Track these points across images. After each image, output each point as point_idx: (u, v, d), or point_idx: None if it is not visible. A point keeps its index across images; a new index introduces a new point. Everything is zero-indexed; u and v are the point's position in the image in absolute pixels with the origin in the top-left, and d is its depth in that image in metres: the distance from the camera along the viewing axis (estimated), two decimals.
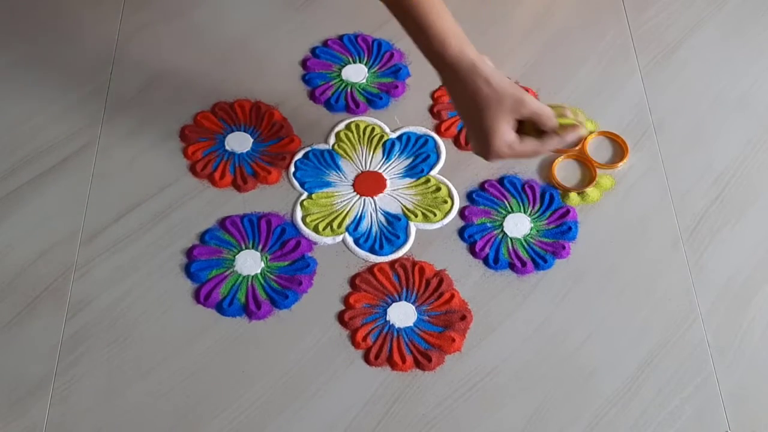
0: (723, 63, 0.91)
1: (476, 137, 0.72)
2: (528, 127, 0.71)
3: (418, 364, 0.72)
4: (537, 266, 0.77)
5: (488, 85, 0.70)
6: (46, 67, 0.91)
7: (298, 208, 0.80)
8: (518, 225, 0.79)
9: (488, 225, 0.80)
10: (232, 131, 0.86)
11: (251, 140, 0.85)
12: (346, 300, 0.75)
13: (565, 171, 0.83)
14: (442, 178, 0.83)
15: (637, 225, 0.80)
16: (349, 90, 0.89)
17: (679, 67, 0.91)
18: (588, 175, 0.83)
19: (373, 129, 0.86)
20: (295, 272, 0.76)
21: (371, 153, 0.84)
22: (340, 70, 0.90)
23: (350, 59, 0.91)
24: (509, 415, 0.69)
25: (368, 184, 0.82)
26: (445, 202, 0.81)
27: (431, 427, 0.69)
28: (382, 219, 0.80)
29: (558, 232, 0.79)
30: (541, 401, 0.70)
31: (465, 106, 0.71)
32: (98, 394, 0.70)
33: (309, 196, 0.81)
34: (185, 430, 0.69)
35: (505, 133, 0.70)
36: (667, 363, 0.72)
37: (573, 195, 0.81)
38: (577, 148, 0.84)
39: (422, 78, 0.90)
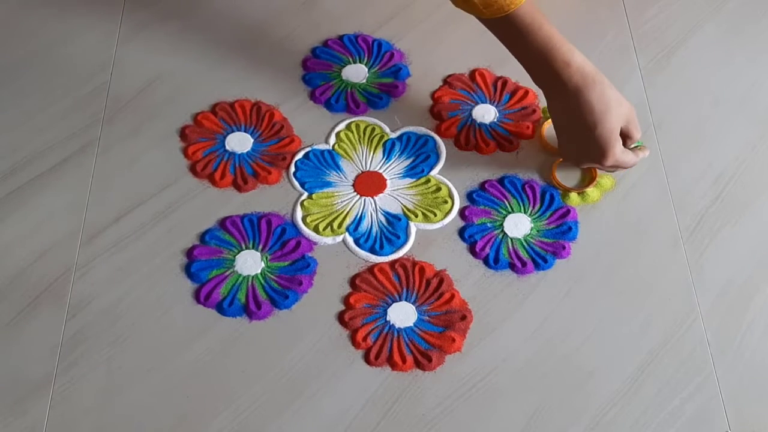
0: (723, 63, 0.91)
1: (596, 141, 0.75)
2: None
3: (418, 364, 0.72)
4: (537, 266, 0.77)
5: (611, 89, 0.75)
6: (46, 67, 0.91)
7: (299, 208, 0.80)
8: (518, 225, 0.79)
9: (488, 225, 0.80)
10: (233, 131, 0.86)
11: (251, 140, 0.85)
12: (346, 300, 0.75)
13: (565, 171, 0.83)
14: (442, 178, 0.83)
15: (637, 225, 0.80)
16: (349, 90, 0.89)
17: (679, 67, 0.91)
18: (588, 175, 0.83)
19: (373, 129, 0.86)
20: (295, 272, 0.77)
21: (371, 153, 0.84)
22: (340, 70, 0.90)
23: (350, 59, 0.91)
24: (509, 415, 0.69)
25: (368, 184, 0.82)
26: (446, 202, 0.81)
27: (431, 427, 0.69)
28: (383, 219, 0.80)
29: (558, 232, 0.79)
30: (541, 401, 0.70)
31: (588, 111, 0.74)
32: (98, 394, 0.70)
33: (309, 196, 0.81)
34: (185, 430, 0.69)
35: (620, 137, 0.76)
36: (667, 363, 0.72)
37: (573, 195, 0.81)
38: None
39: (422, 78, 0.90)
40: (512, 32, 0.75)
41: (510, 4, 0.72)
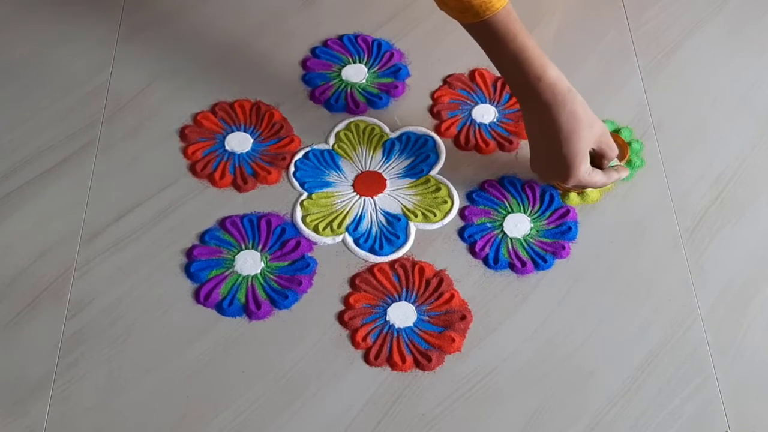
0: (723, 63, 0.91)
1: (560, 160, 0.74)
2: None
3: (418, 364, 0.72)
4: (537, 266, 0.77)
5: (584, 109, 0.74)
6: (46, 67, 0.91)
7: (298, 208, 0.80)
8: (518, 225, 0.79)
9: (488, 225, 0.80)
10: (232, 131, 0.86)
11: (251, 140, 0.85)
12: (346, 300, 0.75)
13: None
14: (442, 178, 0.83)
15: (637, 225, 0.80)
16: (349, 90, 0.89)
17: (679, 67, 0.91)
18: None
19: (373, 129, 0.86)
20: (295, 272, 0.76)
21: (371, 153, 0.84)
22: (340, 70, 0.90)
23: (350, 59, 0.91)
24: (509, 415, 0.69)
25: (368, 184, 0.82)
26: (445, 202, 0.81)
27: (431, 427, 0.69)
28: (382, 219, 0.80)
29: (558, 232, 0.79)
30: (541, 401, 0.70)
31: (555, 129, 0.73)
32: (98, 394, 0.70)
33: (309, 196, 0.81)
34: (185, 430, 0.69)
35: (586, 159, 0.75)
36: (667, 363, 0.72)
37: (573, 195, 0.81)
38: None
39: (422, 78, 0.90)
40: (488, 39, 0.74)
41: (485, 10, 0.71)
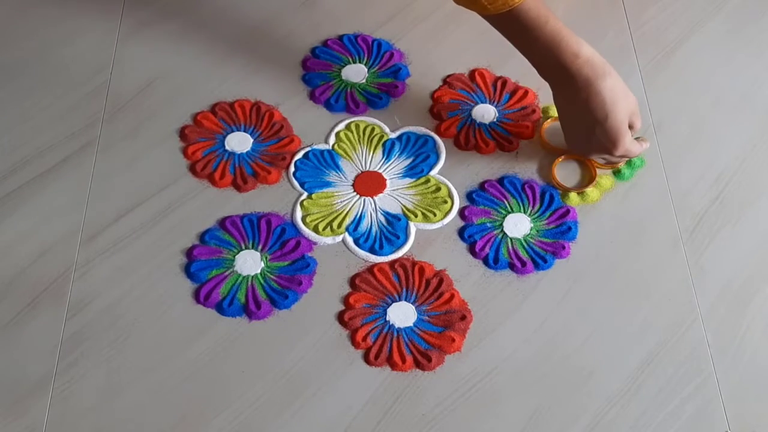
0: (723, 63, 0.91)
1: (608, 131, 0.75)
2: None
3: (418, 364, 0.72)
4: (537, 266, 0.77)
5: (619, 80, 0.75)
6: (46, 67, 0.91)
7: (298, 208, 0.80)
8: (518, 225, 0.79)
9: (488, 225, 0.80)
10: (232, 131, 0.86)
11: (251, 140, 0.85)
12: (346, 300, 0.75)
13: (565, 171, 0.83)
14: (442, 178, 0.83)
15: (637, 225, 0.80)
16: (349, 90, 0.89)
17: (679, 67, 0.91)
18: (588, 175, 0.83)
19: (373, 129, 0.86)
20: (295, 272, 0.77)
21: (371, 153, 0.84)
22: (340, 70, 0.90)
23: (350, 59, 0.91)
24: (509, 415, 0.69)
25: (368, 184, 0.82)
26: (445, 202, 0.81)
27: (431, 427, 0.69)
28: (382, 219, 0.80)
29: (558, 232, 0.79)
30: (541, 401, 0.70)
31: (600, 101, 0.74)
32: (98, 394, 0.70)
33: (309, 196, 0.81)
34: (185, 430, 0.69)
35: (628, 127, 0.77)
36: (667, 363, 0.72)
37: (573, 195, 0.81)
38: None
39: (422, 78, 0.90)
40: (518, 27, 0.74)
41: None
